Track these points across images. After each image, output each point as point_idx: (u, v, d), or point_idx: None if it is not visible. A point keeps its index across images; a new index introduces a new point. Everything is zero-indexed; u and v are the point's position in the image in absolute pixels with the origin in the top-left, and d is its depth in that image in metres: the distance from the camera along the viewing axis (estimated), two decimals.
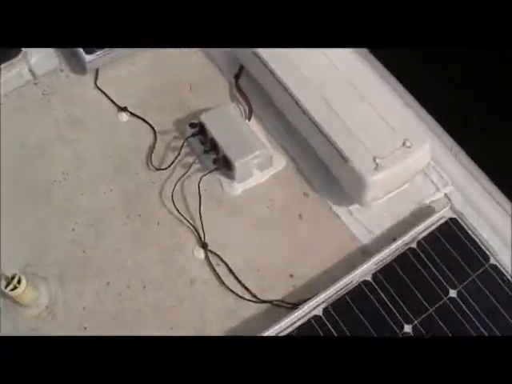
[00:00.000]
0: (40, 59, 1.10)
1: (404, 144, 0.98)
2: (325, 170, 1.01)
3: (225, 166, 0.99)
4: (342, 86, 1.02)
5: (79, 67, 1.10)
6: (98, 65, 1.09)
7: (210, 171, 0.98)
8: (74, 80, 1.10)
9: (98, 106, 1.07)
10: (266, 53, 1.04)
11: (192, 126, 1.01)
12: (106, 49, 1.08)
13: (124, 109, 1.06)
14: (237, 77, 1.10)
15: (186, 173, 0.99)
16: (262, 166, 1.01)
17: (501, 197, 1.04)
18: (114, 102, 1.07)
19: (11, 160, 1.00)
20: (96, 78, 1.09)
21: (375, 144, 0.97)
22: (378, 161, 0.95)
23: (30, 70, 1.09)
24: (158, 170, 1.01)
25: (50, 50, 1.11)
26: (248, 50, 1.06)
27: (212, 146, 1.00)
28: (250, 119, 1.06)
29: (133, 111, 1.06)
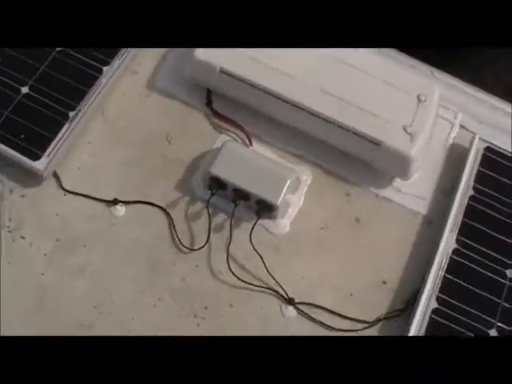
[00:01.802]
0: None
1: (419, 99, 0.92)
2: (352, 159, 0.93)
3: (263, 209, 0.87)
4: (331, 66, 0.91)
5: (30, 178, 0.88)
6: (52, 167, 0.88)
7: (255, 223, 0.86)
8: (34, 198, 0.88)
9: (84, 213, 0.88)
10: (230, 65, 0.90)
11: (211, 187, 0.86)
12: (54, 144, 0.87)
13: (115, 201, 0.88)
14: (209, 103, 0.94)
15: (230, 240, 0.86)
16: (292, 188, 0.90)
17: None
18: (98, 199, 0.88)
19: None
20: (60, 182, 0.89)
21: (396, 113, 0.90)
22: (409, 130, 0.89)
23: None
24: (194, 250, 0.87)
25: None
26: (212, 70, 0.90)
27: (238, 196, 0.87)
28: (251, 144, 0.93)
29: (125, 198, 0.89)
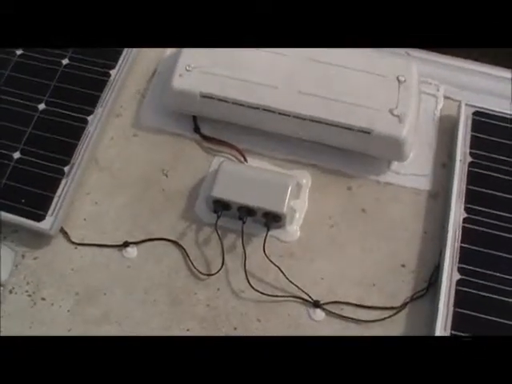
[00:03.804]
0: None
1: (399, 81, 0.92)
2: (347, 152, 0.94)
3: (271, 220, 0.88)
4: (306, 68, 0.92)
5: (39, 240, 0.90)
6: (58, 224, 0.89)
7: (266, 235, 0.87)
8: (46, 257, 0.89)
9: (98, 262, 0.89)
10: (209, 88, 0.91)
11: (216, 210, 0.87)
12: (56, 201, 0.89)
13: (126, 244, 0.89)
14: (197, 129, 0.96)
15: (245, 257, 0.87)
16: (295, 194, 0.91)
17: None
18: (109, 246, 0.89)
19: None
20: (68, 237, 0.90)
21: (380, 99, 0.91)
22: (396, 112, 0.90)
23: None
24: (212, 275, 0.87)
25: None
26: (193, 97, 0.92)
27: (244, 213, 0.87)
28: (246, 160, 0.94)
29: (134, 239, 0.90)
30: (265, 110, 0.90)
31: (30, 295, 0.87)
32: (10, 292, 0.87)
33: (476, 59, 1.07)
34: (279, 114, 0.90)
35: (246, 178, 0.89)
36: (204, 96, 0.91)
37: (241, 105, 0.90)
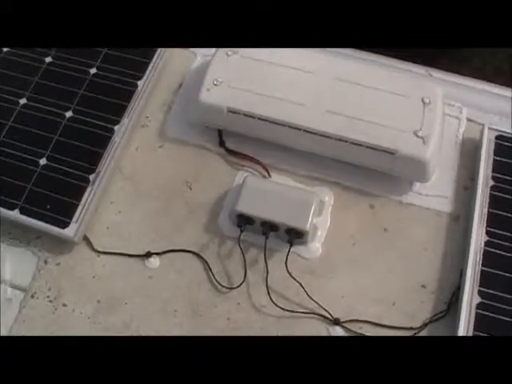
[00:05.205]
0: (12, 268, 0.89)
1: (424, 102, 0.93)
2: (370, 171, 0.94)
3: (293, 237, 0.88)
4: (333, 87, 0.93)
5: (62, 246, 0.90)
6: (82, 231, 0.90)
7: (288, 251, 0.87)
8: (69, 264, 0.90)
9: (120, 271, 0.89)
10: (237, 103, 0.92)
11: (239, 224, 0.88)
12: (80, 209, 0.89)
13: (148, 254, 0.90)
14: (222, 143, 0.96)
15: (267, 272, 0.87)
16: (318, 211, 0.91)
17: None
18: (131, 255, 0.90)
19: None
20: (91, 245, 0.90)
21: (405, 120, 0.91)
22: (420, 134, 0.91)
23: (10, 286, 0.88)
24: (233, 288, 0.88)
25: (21, 251, 0.90)
26: (220, 111, 0.92)
27: (267, 228, 0.88)
28: (270, 175, 0.94)
29: (156, 250, 0.90)
30: (291, 127, 0.91)
31: (51, 301, 0.88)
32: (32, 297, 0.88)
33: (491, 80, 1.08)
34: (305, 131, 0.91)
35: (270, 193, 0.89)
36: (231, 111, 0.91)
37: (267, 121, 0.91)
